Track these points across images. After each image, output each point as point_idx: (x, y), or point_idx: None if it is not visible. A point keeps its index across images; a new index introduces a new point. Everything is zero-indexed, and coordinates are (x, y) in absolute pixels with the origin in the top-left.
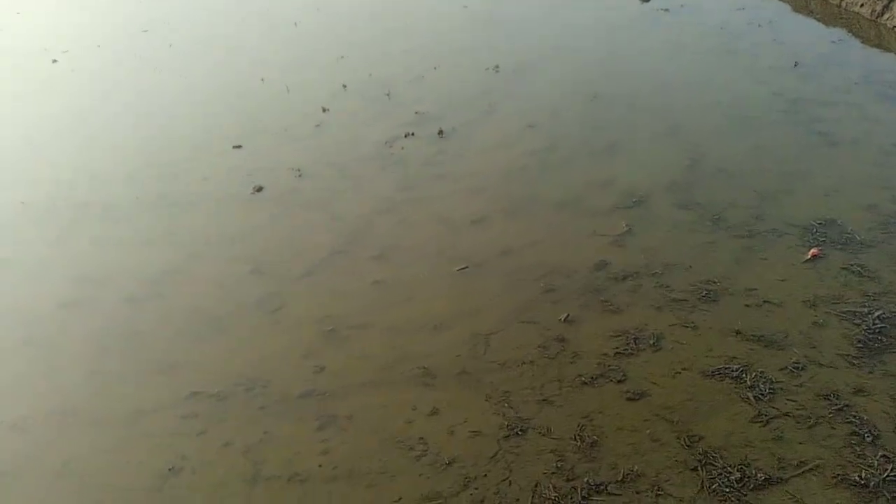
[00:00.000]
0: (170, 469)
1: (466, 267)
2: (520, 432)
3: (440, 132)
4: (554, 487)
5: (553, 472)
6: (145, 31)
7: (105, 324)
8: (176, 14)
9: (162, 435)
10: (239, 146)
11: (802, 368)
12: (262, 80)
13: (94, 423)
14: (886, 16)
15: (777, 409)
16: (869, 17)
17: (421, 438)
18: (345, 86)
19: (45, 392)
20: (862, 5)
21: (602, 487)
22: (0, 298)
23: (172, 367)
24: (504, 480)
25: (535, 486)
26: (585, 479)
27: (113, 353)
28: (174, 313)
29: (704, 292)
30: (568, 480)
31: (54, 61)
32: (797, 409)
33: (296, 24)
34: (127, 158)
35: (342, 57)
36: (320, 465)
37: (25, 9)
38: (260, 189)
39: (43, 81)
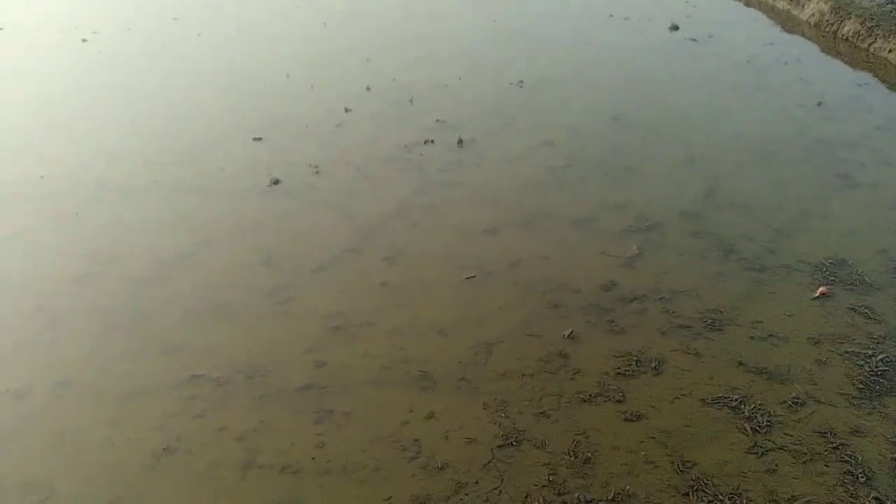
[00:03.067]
0: (164, 448)
1: (475, 276)
2: (514, 443)
3: (459, 141)
4: (544, 500)
5: (544, 485)
6: (175, 18)
7: (113, 301)
8: (207, 5)
9: (159, 414)
10: (259, 139)
11: (802, 404)
12: (288, 76)
13: (94, 397)
14: None
15: (773, 442)
16: None
17: (416, 440)
18: (369, 88)
19: (49, 363)
20: (890, 51)
21: None
22: (14, 269)
23: (176, 349)
24: (495, 489)
25: (526, 497)
26: (576, 495)
27: (119, 330)
28: (182, 297)
29: (710, 321)
30: (559, 494)
31: (84, 41)
32: (793, 444)
33: (325, 23)
34: (148, 142)
35: (368, 59)
36: (314, 458)
37: None
38: (277, 182)
39: (71, 60)
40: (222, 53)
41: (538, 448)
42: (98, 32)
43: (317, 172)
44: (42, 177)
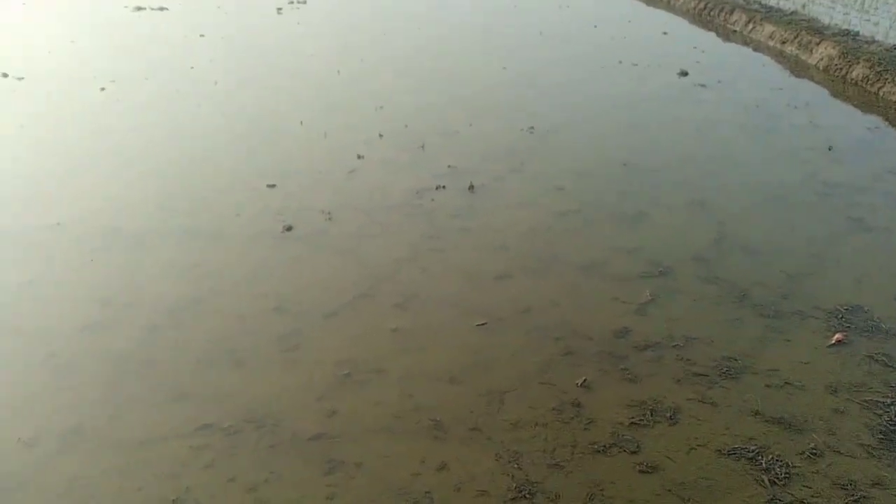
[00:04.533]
0: (173, 500)
1: (486, 323)
2: (528, 495)
3: (471, 187)
4: None
5: None
6: (192, 67)
7: (124, 349)
8: (221, 56)
9: (169, 464)
10: (273, 185)
11: (820, 455)
12: (301, 123)
13: (104, 446)
14: None
15: (792, 494)
16: None
17: (427, 493)
18: (381, 135)
19: (59, 411)
20: None
21: None
22: (27, 315)
23: (186, 397)
24: None
25: None
26: None
27: (129, 378)
28: (193, 344)
29: (725, 369)
30: None
31: (102, 90)
32: (812, 497)
33: (338, 72)
34: (161, 188)
35: (380, 107)
36: None
37: (79, 38)
38: (290, 228)
39: (89, 109)
40: (237, 102)
41: (552, 501)
42: (116, 81)
43: (329, 219)
44: (58, 224)
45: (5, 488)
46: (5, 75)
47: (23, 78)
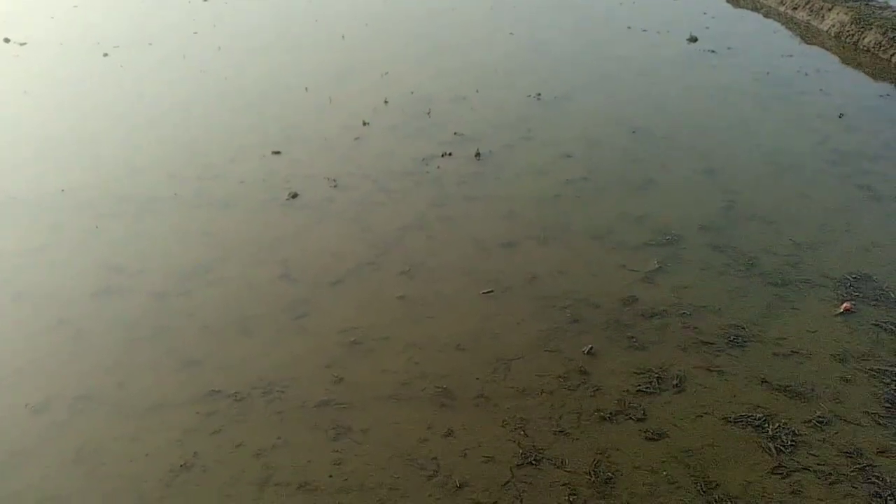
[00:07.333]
0: (181, 465)
1: (492, 291)
2: (534, 462)
3: (477, 154)
4: None
5: None
6: (196, 32)
7: (133, 316)
8: (226, 20)
9: (177, 430)
10: (278, 152)
11: (827, 423)
12: (306, 89)
13: (113, 412)
14: None
15: (798, 462)
16: None
17: (434, 458)
18: (386, 101)
19: (69, 378)
20: None
21: None
22: (36, 282)
23: (194, 363)
24: None
25: None
26: None
27: (139, 344)
28: (201, 311)
29: (732, 337)
30: None
31: (105, 55)
32: (819, 465)
33: (343, 37)
34: (168, 156)
35: (386, 73)
36: (331, 476)
37: (82, 3)
38: (295, 196)
39: (92, 75)
40: (242, 68)
41: (558, 467)
42: (119, 47)
43: (335, 186)
44: (63, 190)
45: (14, 454)
46: (7, 41)
47: (25, 43)
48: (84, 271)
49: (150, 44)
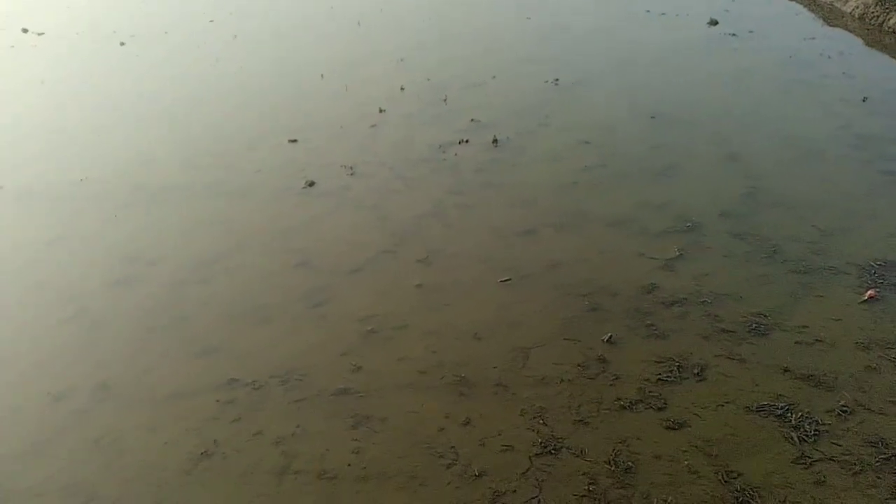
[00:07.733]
0: (202, 453)
1: (510, 279)
2: (553, 451)
3: (494, 141)
4: None
5: (584, 495)
6: (212, 21)
7: (151, 304)
8: (242, 8)
9: (197, 418)
10: (294, 140)
11: (851, 412)
12: (322, 76)
13: (133, 400)
14: None
15: (821, 452)
16: None
17: (452, 447)
18: (403, 88)
19: (89, 366)
20: None
21: None
22: (55, 272)
23: (213, 351)
24: (533, 498)
25: None
26: None
27: (157, 333)
28: (219, 300)
29: (754, 325)
30: None
31: (122, 44)
32: (842, 455)
33: (359, 23)
34: (185, 144)
35: (402, 59)
36: (350, 465)
37: None
38: (312, 184)
39: (109, 64)
40: (258, 55)
41: (577, 456)
42: (136, 36)
43: (352, 174)
44: (82, 180)
45: (36, 442)
46: (25, 31)
47: (43, 33)
48: (102, 261)
49: (166, 33)
